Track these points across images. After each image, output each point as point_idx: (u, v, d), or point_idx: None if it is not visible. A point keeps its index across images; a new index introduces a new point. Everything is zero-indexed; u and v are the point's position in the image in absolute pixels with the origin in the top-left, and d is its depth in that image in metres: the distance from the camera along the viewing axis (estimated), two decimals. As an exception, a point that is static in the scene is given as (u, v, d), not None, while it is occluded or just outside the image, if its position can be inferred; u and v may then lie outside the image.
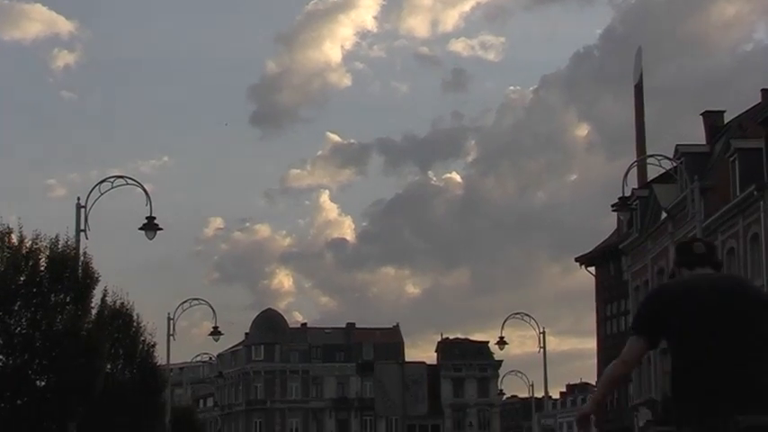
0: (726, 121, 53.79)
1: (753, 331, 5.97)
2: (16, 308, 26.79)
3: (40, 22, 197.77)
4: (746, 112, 51.61)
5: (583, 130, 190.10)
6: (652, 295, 6.23)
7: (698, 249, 6.29)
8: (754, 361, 5.94)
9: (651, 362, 55.70)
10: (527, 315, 56.04)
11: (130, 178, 30.54)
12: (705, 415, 5.87)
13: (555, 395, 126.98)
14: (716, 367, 5.90)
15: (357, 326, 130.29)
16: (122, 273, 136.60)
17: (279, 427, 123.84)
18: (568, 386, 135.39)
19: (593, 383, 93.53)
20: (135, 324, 38.27)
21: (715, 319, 5.96)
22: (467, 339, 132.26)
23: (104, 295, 34.19)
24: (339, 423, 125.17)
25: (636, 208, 53.34)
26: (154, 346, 39.53)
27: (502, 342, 55.02)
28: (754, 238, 43.97)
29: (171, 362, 50.71)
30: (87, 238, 29.06)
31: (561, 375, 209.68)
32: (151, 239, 31.73)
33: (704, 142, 53.17)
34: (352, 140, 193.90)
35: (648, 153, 47.21)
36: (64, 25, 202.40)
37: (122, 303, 37.17)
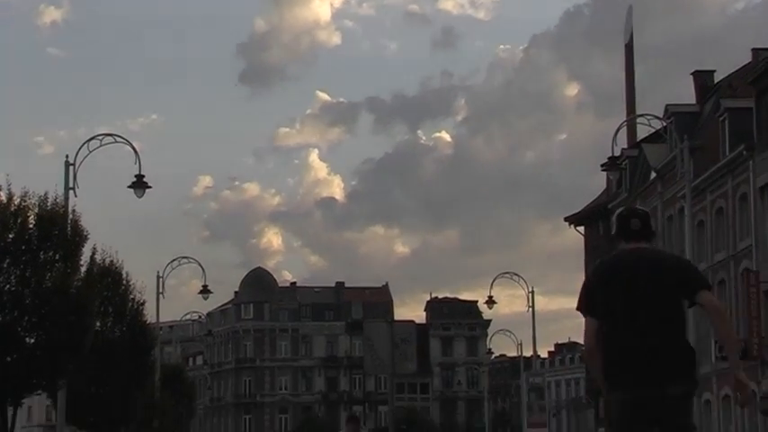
0: (716, 81, 53.73)
1: (675, 302, 6.71)
2: (5, 265, 26.74)
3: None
4: (737, 71, 51.54)
5: (573, 90, 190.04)
6: (587, 278, 6.98)
7: (634, 226, 6.99)
8: (676, 330, 6.65)
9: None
10: (516, 274, 56.18)
11: (119, 136, 30.41)
12: (636, 384, 6.55)
13: (543, 354, 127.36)
14: (643, 338, 6.58)
15: (346, 285, 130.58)
16: (111, 231, 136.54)
17: (268, 386, 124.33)
18: (557, 345, 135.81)
19: (582, 342, 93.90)
20: (124, 282, 38.22)
21: (639, 293, 6.71)
22: (456, 299, 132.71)
23: (93, 253, 34.10)
24: (328, 381, 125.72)
25: (625, 168, 53.37)
26: (143, 304, 39.53)
27: (491, 301, 55.14)
28: (743, 197, 44.07)
29: (160, 320, 50.74)
30: (76, 196, 29.00)
31: (550, 335, 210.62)
32: (140, 197, 31.68)
33: (694, 102, 53.14)
34: (341, 99, 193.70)
35: (638, 113, 47.17)
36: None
37: (111, 261, 37.12)
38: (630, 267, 6.83)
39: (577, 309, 6.99)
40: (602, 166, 39.34)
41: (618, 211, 7.40)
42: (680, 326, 6.78)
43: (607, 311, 6.81)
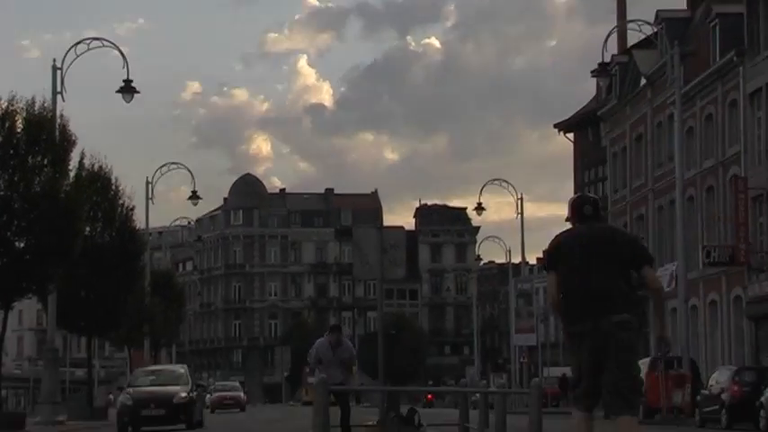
0: (708, -13, 53.31)
1: (614, 262, 8.48)
2: (-6, 170, 26.70)
3: None
4: (729, -24, 51.08)
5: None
6: (550, 243, 8.90)
7: (587, 211, 8.74)
8: (617, 282, 8.45)
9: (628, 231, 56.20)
10: (505, 181, 56.38)
11: (107, 40, 30.28)
12: (578, 319, 8.48)
13: (532, 261, 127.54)
14: (587, 284, 8.47)
15: (335, 192, 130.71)
16: (100, 136, 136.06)
17: (258, 291, 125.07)
18: (545, 252, 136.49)
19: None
20: (113, 187, 38.18)
21: (593, 253, 8.52)
22: (445, 205, 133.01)
23: (82, 158, 34.09)
24: (318, 287, 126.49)
25: (615, 74, 53.20)
26: (132, 209, 39.55)
27: (480, 208, 55.43)
28: (733, 104, 44.03)
29: (150, 226, 50.92)
30: (64, 101, 28.90)
31: (538, 241, 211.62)
32: (128, 103, 31.59)
33: (685, 7, 52.79)
34: (329, 4, 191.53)
35: (629, 18, 46.92)
36: None
37: (100, 167, 37.05)
38: (587, 236, 8.63)
39: (543, 268, 8.91)
40: (592, 72, 39.15)
41: (571, 198, 8.87)
42: (622, 281, 8.49)
43: (565, 267, 8.60)
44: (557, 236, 8.90)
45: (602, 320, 8.35)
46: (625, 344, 8.35)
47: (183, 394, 27.37)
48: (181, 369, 30.32)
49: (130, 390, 27.93)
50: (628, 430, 8.19)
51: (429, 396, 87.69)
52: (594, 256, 8.50)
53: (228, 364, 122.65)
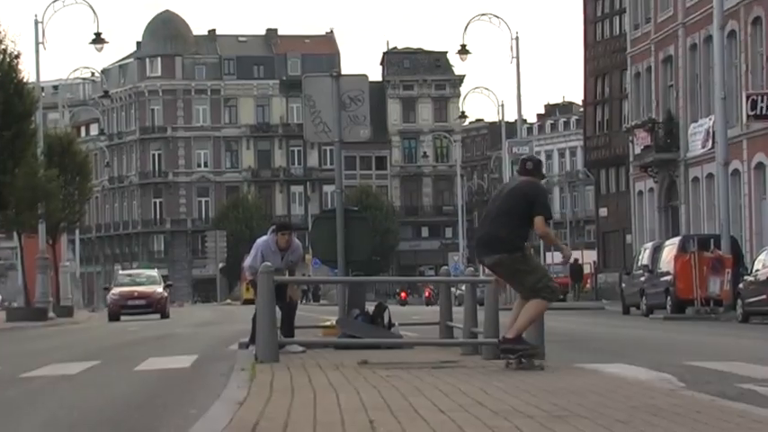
0: None
1: (506, 212, 13.38)
2: None
3: None
4: None
5: None
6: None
7: (528, 166, 13.79)
8: (495, 229, 13.42)
9: (652, 77, 56.28)
10: (495, 17, 56.05)
11: None
12: (478, 256, 13.98)
13: (531, 118, 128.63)
14: (482, 228, 13.88)
15: (280, 33, 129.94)
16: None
17: (183, 161, 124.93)
18: (547, 107, 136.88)
19: (580, 103, 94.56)
20: (-8, 29, 37.75)
21: (492, 202, 13.84)
22: (420, 49, 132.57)
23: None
24: (259, 154, 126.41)
25: None
26: (18, 57, 39.16)
27: (464, 51, 55.11)
28: None
29: (42, 78, 50.44)
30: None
31: (539, 94, 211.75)
32: None
33: None
34: None
35: None
36: None
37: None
38: (506, 186, 14.12)
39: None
40: None
41: (521, 156, 14.82)
42: (506, 229, 13.29)
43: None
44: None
45: (484, 259, 13.80)
46: (508, 275, 13.69)
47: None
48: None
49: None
50: (532, 306, 13.29)
51: (402, 293, 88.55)
52: (495, 206, 13.61)
53: (147, 253, 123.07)
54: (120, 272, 61.16)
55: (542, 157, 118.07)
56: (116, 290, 48.11)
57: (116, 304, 47.10)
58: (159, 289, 48.04)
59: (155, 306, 46.90)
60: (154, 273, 52.06)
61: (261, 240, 18.23)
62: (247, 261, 18.37)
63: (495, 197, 13.83)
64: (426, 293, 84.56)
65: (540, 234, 13.65)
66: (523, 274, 13.36)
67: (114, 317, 46.52)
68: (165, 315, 46.31)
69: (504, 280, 14.08)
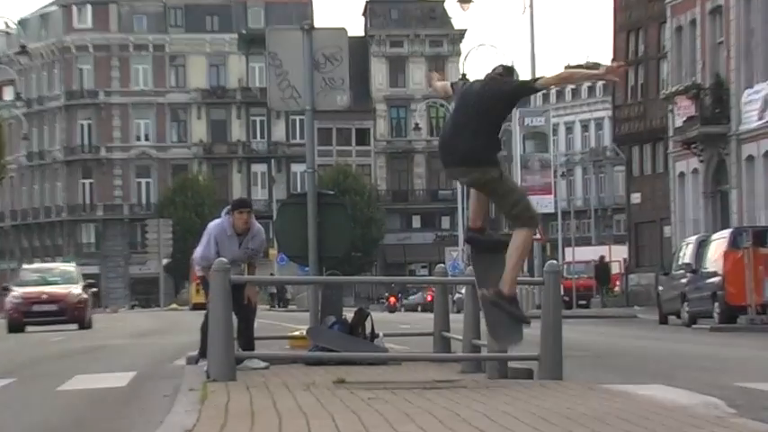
0: None
1: (484, 113, 13.96)
2: None
3: None
4: None
5: None
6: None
7: (497, 70, 14.26)
8: (472, 131, 13.86)
9: (697, 33, 56.41)
10: (506, -45, 56.04)
11: None
12: (444, 166, 14.50)
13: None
14: (445, 132, 14.68)
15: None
16: None
17: (118, 133, 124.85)
18: (568, 68, 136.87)
19: (608, 64, 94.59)
20: None
21: (459, 102, 14.28)
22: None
23: None
24: (212, 125, 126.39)
25: None
26: None
27: (465, 0, 55.15)
28: None
29: (-56, 30, 50.40)
30: None
31: (556, 52, 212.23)
32: None
33: None
34: None
35: None
36: None
37: None
38: (472, 84, 14.46)
39: None
40: None
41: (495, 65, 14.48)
42: (482, 131, 13.90)
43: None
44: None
45: (452, 171, 14.49)
46: (490, 192, 14.31)
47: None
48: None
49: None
50: (520, 237, 14.13)
51: (391, 298, 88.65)
52: (464, 104, 14.18)
53: (74, 246, 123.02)
54: (25, 266, 57.16)
55: (562, 131, 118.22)
56: (17, 290, 43.96)
57: (17, 310, 43.23)
58: (77, 290, 43.54)
59: (70, 313, 42.80)
60: (71, 268, 48.92)
61: (213, 224, 18.00)
62: (198, 251, 18.07)
63: (466, 93, 14.28)
64: (391, 300, 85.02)
65: (564, 78, 16.21)
66: (505, 194, 14.26)
67: (16, 327, 42.64)
68: (84, 325, 42.68)
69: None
